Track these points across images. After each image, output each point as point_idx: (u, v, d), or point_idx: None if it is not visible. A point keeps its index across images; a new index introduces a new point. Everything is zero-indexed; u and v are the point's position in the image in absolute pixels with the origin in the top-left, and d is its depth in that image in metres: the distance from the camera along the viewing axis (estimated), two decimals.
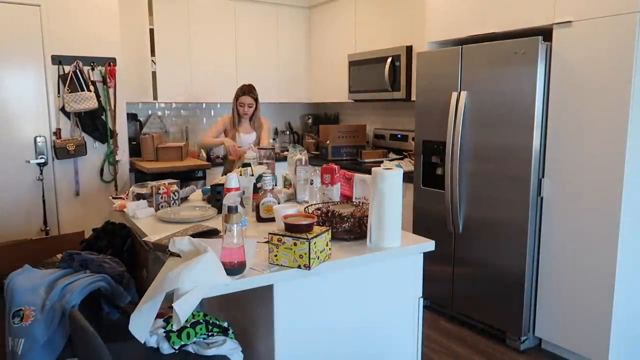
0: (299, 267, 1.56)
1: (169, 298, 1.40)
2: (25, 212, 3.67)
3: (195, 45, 4.52)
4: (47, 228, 3.74)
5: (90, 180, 3.91)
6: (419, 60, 3.29)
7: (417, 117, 3.34)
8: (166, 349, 1.59)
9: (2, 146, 3.56)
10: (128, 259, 2.37)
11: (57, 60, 3.67)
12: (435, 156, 3.24)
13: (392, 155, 4.43)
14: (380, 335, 1.86)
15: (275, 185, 2.71)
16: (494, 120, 2.85)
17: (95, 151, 3.91)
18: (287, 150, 2.84)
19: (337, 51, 4.77)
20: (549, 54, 2.64)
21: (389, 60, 3.97)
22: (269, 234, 1.60)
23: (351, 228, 1.84)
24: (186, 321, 1.61)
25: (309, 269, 1.55)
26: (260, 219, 2.18)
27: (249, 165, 2.71)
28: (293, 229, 1.58)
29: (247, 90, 3.70)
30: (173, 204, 2.44)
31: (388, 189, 1.72)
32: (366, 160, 4.38)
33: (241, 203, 2.12)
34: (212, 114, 5.07)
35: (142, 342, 1.44)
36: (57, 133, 3.72)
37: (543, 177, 2.73)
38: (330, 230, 1.68)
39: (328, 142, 4.60)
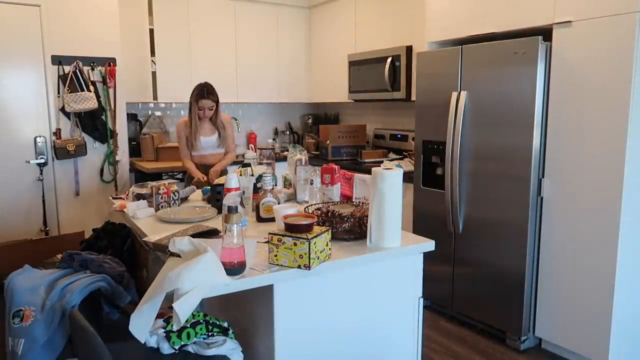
0: (299, 267, 1.56)
1: (169, 298, 1.40)
2: (25, 212, 3.67)
3: (195, 45, 4.52)
4: (47, 228, 3.74)
5: (90, 181, 3.91)
6: (419, 60, 3.29)
7: (417, 117, 3.34)
8: (166, 349, 1.59)
9: (2, 146, 3.56)
10: (128, 259, 2.37)
11: (57, 60, 3.67)
12: (435, 156, 3.24)
13: (392, 155, 4.43)
14: (380, 335, 1.86)
15: (275, 185, 2.71)
16: (494, 120, 2.85)
17: (95, 151, 3.91)
18: (287, 150, 2.84)
19: (337, 51, 4.77)
20: (549, 54, 2.64)
21: (389, 60, 3.97)
22: (269, 234, 1.60)
23: (351, 228, 1.84)
24: (186, 321, 1.61)
25: (309, 269, 1.55)
26: (260, 219, 2.18)
27: (248, 165, 2.71)
28: (293, 229, 1.58)
29: (207, 92, 3.32)
30: (173, 204, 2.44)
31: (388, 189, 1.72)
32: (366, 160, 4.38)
33: (241, 203, 2.12)
34: None
35: (142, 342, 1.44)
36: (57, 133, 3.72)
37: (543, 177, 2.73)
38: (330, 230, 1.68)
39: (328, 142, 4.60)
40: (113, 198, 2.67)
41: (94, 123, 3.86)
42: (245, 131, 5.27)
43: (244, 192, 2.28)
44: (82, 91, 3.69)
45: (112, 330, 1.73)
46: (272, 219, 2.09)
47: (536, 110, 2.65)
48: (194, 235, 1.74)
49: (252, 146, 4.24)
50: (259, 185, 2.39)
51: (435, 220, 3.26)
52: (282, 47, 5.03)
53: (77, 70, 3.70)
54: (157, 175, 3.99)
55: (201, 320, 1.65)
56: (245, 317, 1.81)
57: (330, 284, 1.70)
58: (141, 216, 2.28)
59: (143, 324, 1.41)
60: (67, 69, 3.68)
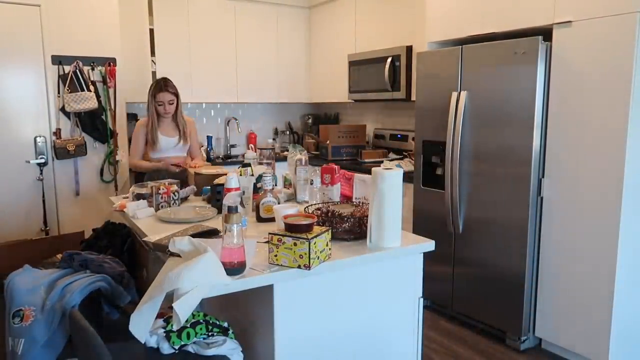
0: (299, 267, 1.56)
1: (169, 298, 1.40)
2: (25, 212, 3.67)
3: (195, 45, 4.52)
4: (47, 228, 3.74)
5: (90, 180, 3.91)
6: (419, 60, 3.29)
7: (417, 117, 3.34)
8: (166, 349, 1.59)
9: (2, 146, 3.56)
10: (128, 259, 2.37)
11: (57, 60, 3.67)
12: (435, 156, 3.24)
13: (392, 155, 4.43)
14: (380, 336, 1.86)
15: (275, 185, 2.71)
16: (494, 120, 2.85)
17: (95, 151, 3.91)
18: (287, 150, 2.84)
19: (337, 51, 4.77)
20: (549, 54, 2.64)
21: (389, 60, 3.97)
22: (269, 234, 1.60)
23: (351, 228, 1.84)
24: (186, 321, 1.61)
25: (309, 269, 1.55)
26: (260, 219, 2.18)
27: (249, 165, 2.71)
28: (293, 229, 1.58)
29: (164, 85, 3.15)
30: (173, 204, 2.44)
31: (388, 189, 1.72)
32: (366, 160, 4.38)
33: (241, 203, 2.12)
34: (212, 113, 5.08)
35: (142, 342, 1.44)
36: (57, 133, 3.72)
37: (543, 177, 2.73)
38: (330, 230, 1.68)
39: (328, 142, 4.60)
40: (123, 197, 2.67)
41: (94, 123, 3.86)
42: (245, 131, 5.27)
43: (244, 192, 2.28)
44: (82, 91, 3.69)
45: (112, 330, 1.73)
46: (272, 219, 2.09)
47: (536, 110, 2.65)
48: (194, 235, 1.74)
49: (252, 146, 4.22)
50: (259, 185, 2.39)
51: (435, 220, 3.26)
52: (282, 47, 5.03)
53: (77, 70, 3.70)
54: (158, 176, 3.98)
55: (201, 320, 1.65)
56: (245, 317, 1.81)
57: (330, 284, 1.70)
58: (141, 216, 2.28)
59: (143, 324, 1.41)
60: (67, 68, 3.68)
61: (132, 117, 4.51)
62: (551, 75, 2.65)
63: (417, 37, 3.81)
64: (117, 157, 3.98)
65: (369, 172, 1.89)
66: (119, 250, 2.40)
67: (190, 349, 1.63)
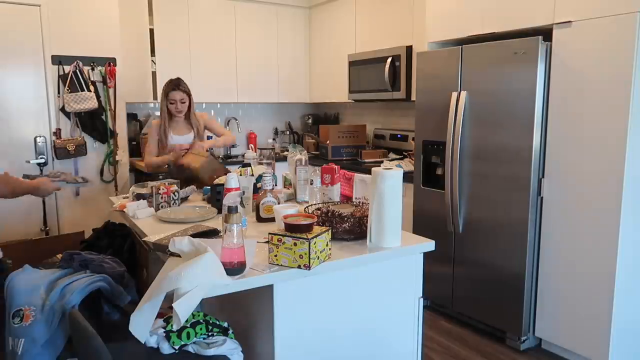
0: (299, 267, 1.56)
1: (169, 298, 1.40)
2: (25, 212, 3.67)
3: (195, 45, 4.52)
4: (47, 228, 3.74)
5: (90, 180, 3.91)
6: (419, 60, 3.29)
7: (417, 117, 3.34)
8: (166, 349, 1.59)
9: (2, 146, 3.56)
10: (128, 259, 2.36)
11: (57, 60, 3.67)
12: (435, 156, 3.24)
13: (392, 155, 4.43)
14: (380, 335, 1.86)
15: (275, 185, 2.70)
16: (494, 120, 2.85)
17: (95, 151, 3.91)
18: (287, 150, 2.84)
19: (337, 51, 4.77)
20: (549, 54, 2.64)
21: (389, 60, 3.97)
22: (269, 234, 1.60)
23: (351, 228, 1.84)
24: (186, 321, 1.61)
25: (309, 269, 1.55)
26: (260, 219, 2.18)
27: (249, 165, 2.71)
28: (293, 229, 1.58)
29: (176, 84, 3.19)
30: (173, 204, 2.44)
31: (388, 189, 1.72)
32: (366, 160, 4.38)
33: (241, 203, 2.12)
34: (212, 113, 5.07)
35: (142, 342, 1.44)
36: (57, 133, 3.72)
37: (543, 177, 2.73)
38: (330, 230, 1.68)
39: (328, 142, 4.60)
40: (124, 197, 2.67)
41: (94, 123, 3.86)
42: (245, 131, 5.27)
43: (244, 192, 2.28)
44: (82, 91, 3.69)
45: (112, 330, 1.73)
46: (272, 219, 2.09)
47: (536, 110, 2.65)
48: (194, 235, 1.74)
49: (252, 146, 4.23)
50: (259, 185, 2.39)
51: (435, 220, 3.26)
52: (282, 47, 5.03)
53: (77, 70, 3.70)
54: (157, 175, 3.98)
55: (201, 320, 1.65)
56: (245, 317, 1.81)
57: (330, 284, 1.70)
58: (141, 216, 2.28)
59: (143, 324, 1.41)
60: (67, 68, 3.68)
61: (132, 117, 4.51)
62: (551, 75, 2.65)
63: (417, 37, 3.81)
64: (117, 157, 3.98)
65: (369, 172, 1.89)
66: (119, 250, 2.40)
67: (190, 349, 1.63)
